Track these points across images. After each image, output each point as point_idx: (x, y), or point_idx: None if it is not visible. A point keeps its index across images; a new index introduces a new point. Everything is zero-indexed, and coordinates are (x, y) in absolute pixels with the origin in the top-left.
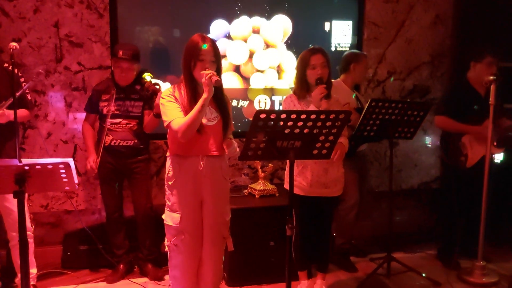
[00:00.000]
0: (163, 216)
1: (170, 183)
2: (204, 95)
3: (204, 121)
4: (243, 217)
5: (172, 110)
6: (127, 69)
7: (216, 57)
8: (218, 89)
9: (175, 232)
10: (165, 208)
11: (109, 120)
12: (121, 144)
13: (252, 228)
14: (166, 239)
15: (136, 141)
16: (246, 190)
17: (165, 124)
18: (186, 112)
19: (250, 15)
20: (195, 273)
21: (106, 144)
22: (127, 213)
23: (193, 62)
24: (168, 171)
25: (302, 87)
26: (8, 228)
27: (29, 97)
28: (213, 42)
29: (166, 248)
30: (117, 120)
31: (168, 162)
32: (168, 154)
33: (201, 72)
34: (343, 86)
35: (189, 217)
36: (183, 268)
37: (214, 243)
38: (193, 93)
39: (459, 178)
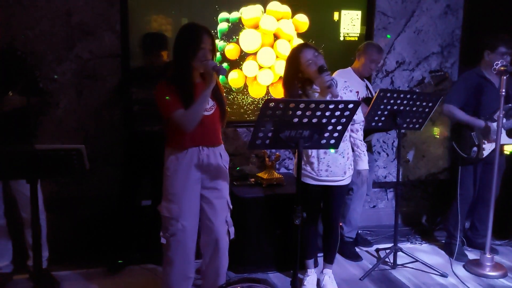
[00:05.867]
0: (159, 208)
1: (169, 174)
2: (208, 85)
3: None
4: (250, 206)
5: (170, 103)
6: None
7: (213, 45)
8: None
9: (173, 223)
10: (162, 200)
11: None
12: (146, 128)
13: (258, 216)
14: (162, 231)
15: (160, 127)
16: (253, 179)
17: (166, 116)
18: (180, 104)
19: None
20: (191, 264)
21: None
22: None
23: (192, 52)
24: (167, 162)
25: (294, 85)
26: (21, 210)
27: (41, 85)
28: (209, 30)
29: (162, 240)
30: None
31: (167, 154)
32: (166, 145)
33: (204, 61)
34: (352, 73)
35: (188, 207)
36: (179, 260)
37: (218, 229)
38: (190, 84)
39: (468, 169)
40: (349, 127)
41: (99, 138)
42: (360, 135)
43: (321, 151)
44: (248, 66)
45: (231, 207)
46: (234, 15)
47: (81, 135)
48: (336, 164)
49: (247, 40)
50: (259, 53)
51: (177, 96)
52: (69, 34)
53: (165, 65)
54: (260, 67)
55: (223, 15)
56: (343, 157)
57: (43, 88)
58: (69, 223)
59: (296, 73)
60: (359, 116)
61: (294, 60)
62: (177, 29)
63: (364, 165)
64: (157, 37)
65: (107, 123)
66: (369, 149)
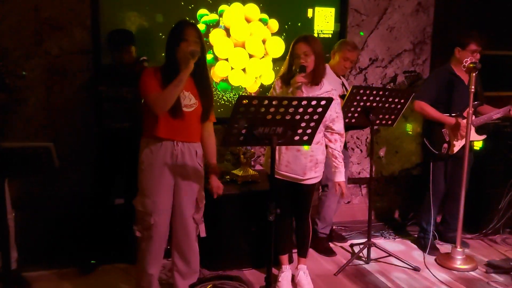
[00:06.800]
0: (134, 202)
1: (143, 167)
2: (184, 69)
3: (181, 106)
4: (225, 203)
5: (150, 85)
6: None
7: (199, 38)
8: (202, 77)
9: (147, 217)
10: (138, 194)
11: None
12: (116, 126)
13: (234, 213)
14: (136, 224)
15: (131, 124)
16: (228, 176)
17: (143, 97)
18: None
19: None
20: (162, 258)
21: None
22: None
23: (176, 43)
24: (142, 155)
25: (289, 72)
26: None
27: (7, 81)
28: (195, 25)
29: (137, 233)
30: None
31: (142, 146)
32: (142, 136)
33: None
34: (329, 71)
35: (160, 201)
36: (152, 252)
37: (186, 226)
38: (175, 76)
39: (439, 164)
40: (328, 136)
41: (70, 136)
42: (338, 146)
43: (283, 146)
44: (220, 66)
45: (202, 204)
46: (213, 16)
47: (51, 133)
48: (296, 162)
49: (220, 48)
50: (230, 57)
51: (160, 83)
52: (38, 30)
53: (135, 61)
54: (232, 68)
55: (201, 12)
56: (305, 158)
57: (10, 84)
58: (40, 222)
59: (291, 62)
60: (338, 126)
61: (291, 48)
62: (151, 25)
63: (341, 177)
64: (123, 33)
65: (77, 121)
66: (344, 145)
